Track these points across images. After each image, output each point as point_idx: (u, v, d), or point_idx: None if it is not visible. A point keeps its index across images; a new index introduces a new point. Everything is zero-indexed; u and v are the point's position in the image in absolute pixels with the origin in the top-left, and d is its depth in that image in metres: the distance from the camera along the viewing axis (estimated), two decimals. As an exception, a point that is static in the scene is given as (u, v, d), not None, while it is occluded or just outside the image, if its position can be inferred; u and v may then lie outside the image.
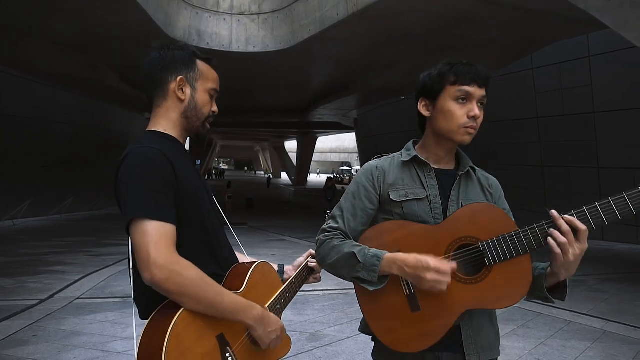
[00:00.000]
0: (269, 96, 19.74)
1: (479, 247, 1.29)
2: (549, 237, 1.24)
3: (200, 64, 1.39)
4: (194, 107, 1.37)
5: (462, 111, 1.38)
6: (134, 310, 1.31)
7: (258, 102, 21.71)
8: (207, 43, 10.94)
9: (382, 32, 9.29)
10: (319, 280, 1.73)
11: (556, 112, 12.21)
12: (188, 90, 1.36)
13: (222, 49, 11.14)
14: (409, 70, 12.08)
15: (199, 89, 1.37)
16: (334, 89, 16.78)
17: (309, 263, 1.68)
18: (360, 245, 1.38)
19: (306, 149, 42.58)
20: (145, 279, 1.11)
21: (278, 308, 1.45)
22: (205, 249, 1.33)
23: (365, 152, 25.45)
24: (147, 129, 1.37)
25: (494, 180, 1.53)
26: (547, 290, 1.33)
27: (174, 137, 1.36)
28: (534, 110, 12.78)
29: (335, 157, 65.00)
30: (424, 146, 1.50)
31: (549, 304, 5.28)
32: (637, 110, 10.18)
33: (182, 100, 1.36)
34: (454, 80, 1.38)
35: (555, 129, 12.33)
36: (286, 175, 53.84)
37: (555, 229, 1.23)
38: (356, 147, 33.37)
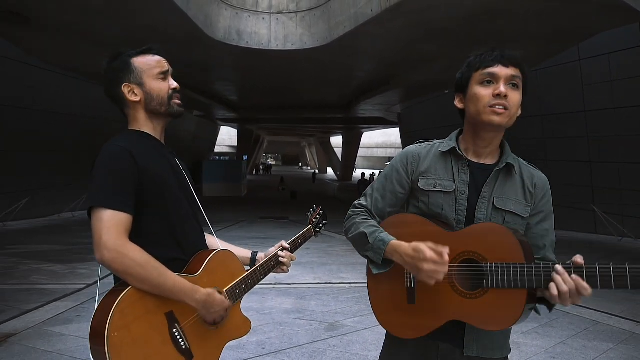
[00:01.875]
0: (311, 92, 19.93)
1: (482, 267, 1.31)
2: (552, 283, 1.23)
3: (136, 61, 1.53)
4: (150, 98, 1.53)
5: (487, 91, 1.37)
6: (98, 287, 1.51)
7: (301, 98, 21.96)
8: (247, 42, 11.25)
9: (418, 27, 9.20)
10: (286, 271, 1.82)
11: (605, 105, 11.62)
12: (137, 90, 1.52)
13: (261, 47, 11.42)
14: (449, 64, 11.88)
15: (146, 81, 1.53)
16: (375, 84, 16.73)
17: (279, 256, 1.78)
18: (376, 227, 1.45)
19: (351, 145, 42.54)
20: (97, 258, 1.31)
21: (237, 292, 1.59)
22: (169, 234, 1.48)
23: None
24: (127, 129, 1.57)
25: (540, 178, 1.48)
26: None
27: (146, 133, 1.54)
28: (581, 104, 12.23)
29: (381, 153, 64.39)
30: (463, 137, 1.50)
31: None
32: (695, 103, 9.55)
33: (138, 101, 1.53)
34: (478, 66, 1.40)
35: (604, 123, 11.75)
36: (332, 171, 54.06)
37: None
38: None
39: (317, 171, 57.35)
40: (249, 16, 11.30)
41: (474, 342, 1.41)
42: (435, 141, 1.56)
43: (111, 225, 1.32)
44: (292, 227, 13.12)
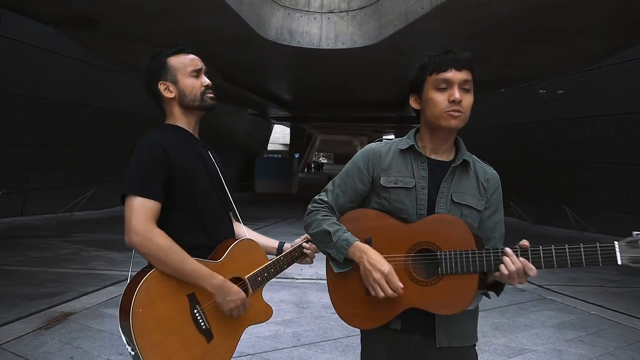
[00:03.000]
0: (363, 91, 19.90)
1: (437, 255, 1.39)
2: (502, 264, 1.32)
3: (170, 60, 1.67)
4: (184, 94, 1.66)
5: (443, 97, 1.44)
6: (130, 268, 1.65)
7: (354, 96, 21.97)
8: (298, 41, 11.43)
9: (470, 24, 8.99)
10: (310, 262, 1.90)
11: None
12: (172, 87, 1.66)
13: (312, 47, 11.56)
14: (504, 62, 11.51)
15: (180, 79, 1.66)
16: (428, 83, 16.48)
17: (303, 247, 1.85)
18: (339, 226, 1.52)
19: (404, 144, 41.98)
20: (125, 241, 1.45)
21: (259, 280, 1.67)
22: (197, 223, 1.61)
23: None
24: (164, 123, 1.71)
25: (492, 174, 1.56)
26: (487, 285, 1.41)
27: (180, 127, 1.68)
28: (649, 104, 11.44)
29: (435, 153, 63.00)
30: (420, 136, 1.58)
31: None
32: None
33: (173, 97, 1.67)
34: (432, 70, 1.46)
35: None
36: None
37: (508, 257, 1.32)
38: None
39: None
40: (301, 16, 11.48)
41: (444, 332, 1.46)
42: (394, 139, 1.63)
43: (140, 211, 1.45)
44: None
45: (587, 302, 5.81)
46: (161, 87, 1.66)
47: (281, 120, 35.12)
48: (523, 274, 1.29)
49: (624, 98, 12.10)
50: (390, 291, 1.37)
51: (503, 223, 1.57)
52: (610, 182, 12.68)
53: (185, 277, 1.47)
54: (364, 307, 1.49)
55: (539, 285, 6.47)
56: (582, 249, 1.22)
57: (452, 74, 1.43)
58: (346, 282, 1.53)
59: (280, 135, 51.18)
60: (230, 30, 9.72)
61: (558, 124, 14.66)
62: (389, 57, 12.51)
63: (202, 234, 1.61)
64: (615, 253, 1.19)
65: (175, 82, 1.66)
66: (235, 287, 1.55)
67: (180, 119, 1.69)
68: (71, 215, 13.21)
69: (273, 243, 1.92)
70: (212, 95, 1.71)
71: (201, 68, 1.71)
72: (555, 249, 1.27)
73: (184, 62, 1.68)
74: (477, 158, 1.58)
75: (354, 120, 33.76)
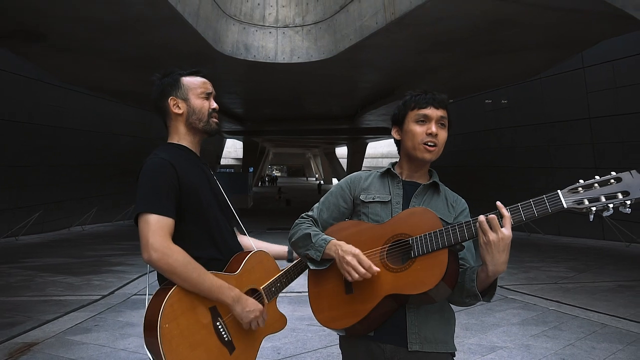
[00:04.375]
0: (317, 104, 20.14)
1: (409, 241, 1.48)
2: (479, 218, 1.38)
3: (184, 80, 1.72)
4: (192, 113, 1.70)
5: (422, 129, 1.63)
6: (147, 286, 1.65)
7: (307, 110, 22.17)
8: (254, 56, 11.46)
9: (423, 39, 9.37)
10: None
11: (610, 112, 11.72)
12: (182, 104, 1.70)
13: (268, 61, 11.62)
14: (453, 75, 12.05)
15: (191, 98, 1.70)
16: (381, 95, 16.92)
17: None
18: (320, 232, 1.64)
19: (356, 155, 42.68)
20: (144, 259, 1.46)
21: (273, 290, 1.72)
22: (207, 237, 1.63)
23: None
24: (166, 142, 1.72)
25: (459, 198, 1.73)
26: (481, 293, 1.45)
27: (184, 146, 1.70)
28: (585, 111, 12.34)
29: (386, 163, 63.63)
30: (399, 164, 1.77)
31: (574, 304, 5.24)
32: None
33: (180, 114, 1.70)
34: (413, 106, 1.66)
35: (609, 130, 11.84)
36: (337, 181, 54.09)
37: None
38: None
39: (322, 182, 57.48)
40: (256, 30, 11.53)
41: (416, 336, 1.52)
42: (374, 170, 1.81)
43: (157, 228, 1.47)
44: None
45: (546, 299, 6.16)
46: (171, 102, 1.69)
47: (234, 134, 34.83)
48: (497, 224, 1.35)
49: (562, 106, 12.97)
50: (363, 270, 1.45)
51: (472, 244, 1.65)
52: (555, 186, 13.50)
53: (203, 291, 1.49)
54: (344, 306, 1.55)
55: (500, 286, 6.78)
56: (532, 202, 1.34)
57: (431, 111, 1.63)
58: (325, 287, 1.62)
59: (232, 149, 50.66)
60: (187, 45, 9.63)
61: (506, 131, 15.46)
62: (344, 71, 12.79)
63: (214, 248, 1.64)
64: (560, 199, 1.31)
65: (185, 100, 1.70)
66: (252, 300, 1.58)
67: (184, 138, 1.72)
68: (16, 240, 12.46)
69: (282, 248, 1.98)
70: (217, 120, 1.77)
71: (211, 92, 1.76)
72: (510, 208, 1.37)
73: (197, 83, 1.73)
74: (447, 188, 1.75)
75: (307, 133, 33.99)
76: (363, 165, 46.32)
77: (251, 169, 33.90)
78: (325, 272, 1.62)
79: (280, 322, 1.76)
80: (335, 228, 1.67)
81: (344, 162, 49.50)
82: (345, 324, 1.54)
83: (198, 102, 1.71)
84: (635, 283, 7.19)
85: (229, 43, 10.90)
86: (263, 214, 21.90)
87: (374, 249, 1.53)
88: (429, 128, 1.62)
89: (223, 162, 41.65)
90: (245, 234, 1.91)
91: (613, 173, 1.33)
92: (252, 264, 1.67)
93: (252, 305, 1.57)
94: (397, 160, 1.81)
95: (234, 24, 11.05)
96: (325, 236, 1.61)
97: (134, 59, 11.00)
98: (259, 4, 11.78)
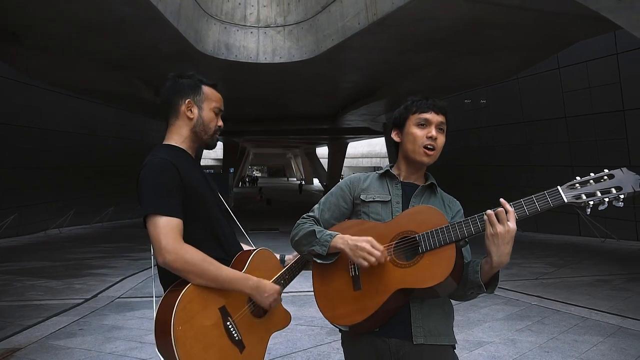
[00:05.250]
0: (298, 104, 20.14)
1: (416, 237, 1.53)
2: (487, 212, 1.45)
3: (206, 89, 1.71)
4: (201, 123, 1.70)
5: (422, 133, 1.69)
6: (154, 289, 1.64)
7: (289, 110, 22.16)
8: (235, 55, 11.40)
9: (404, 39, 9.47)
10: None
11: (585, 111, 12.05)
12: (195, 110, 1.69)
13: (249, 61, 11.57)
14: (434, 75, 12.20)
15: (205, 109, 1.70)
16: (362, 95, 17.01)
17: None
18: (322, 228, 1.67)
19: (337, 155, 42.84)
20: (158, 262, 1.46)
21: (281, 284, 1.73)
22: (212, 238, 1.64)
23: (395, 157, 25.54)
24: (163, 143, 1.70)
25: (454, 200, 1.81)
26: (484, 284, 1.51)
27: (183, 149, 1.69)
28: (561, 110, 12.65)
29: (366, 162, 64.86)
30: (397, 166, 1.82)
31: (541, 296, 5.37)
32: (669, 107, 9.99)
33: (191, 119, 1.69)
34: (415, 110, 1.72)
35: (584, 129, 12.17)
36: (318, 181, 54.23)
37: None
38: (386, 152, 33.42)
39: (303, 182, 57.47)
40: (237, 30, 11.47)
41: (420, 329, 1.57)
42: (373, 172, 1.86)
43: (167, 230, 1.46)
44: (283, 238, 13.19)
45: (528, 294, 6.30)
46: (187, 104, 1.68)
47: (214, 135, 34.55)
48: (504, 218, 1.42)
49: (539, 105, 13.27)
50: (379, 253, 1.49)
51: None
52: (535, 183, 13.80)
53: (222, 284, 1.51)
54: (353, 303, 1.58)
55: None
56: (534, 198, 1.42)
57: (432, 116, 1.69)
58: (332, 284, 1.64)
59: (212, 150, 50.20)
60: (169, 45, 9.53)
61: (485, 131, 15.73)
62: (326, 71, 12.83)
63: (219, 248, 1.64)
64: (561, 194, 1.40)
65: (199, 108, 1.69)
66: (268, 283, 1.62)
67: (184, 141, 1.70)
68: (-9, 244, 12.12)
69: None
70: (217, 136, 1.79)
71: (222, 110, 1.77)
72: (514, 204, 1.45)
73: (215, 97, 1.73)
74: (441, 190, 1.81)
75: (288, 133, 33.96)
76: (344, 164, 46.53)
77: (231, 170, 33.68)
78: (330, 269, 1.64)
79: (285, 318, 1.79)
80: (338, 227, 1.69)
81: (324, 162, 49.59)
82: (354, 320, 1.56)
83: (209, 116, 1.71)
84: (612, 277, 7.42)
85: (210, 43, 10.82)
86: (244, 214, 21.79)
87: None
88: (429, 132, 1.68)
89: (203, 162, 41.27)
90: (244, 234, 1.92)
91: (606, 170, 1.41)
92: (257, 261, 1.68)
93: (270, 289, 1.61)
94: (394, 163, 1.85)
95: (215, 24, 10.97)
96: (330, 232, 1.64)
97: (114, 59, 10.83)
98: (239, 4, 11.72)
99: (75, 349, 4.36)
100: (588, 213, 1.41)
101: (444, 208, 1.72)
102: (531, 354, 4.11)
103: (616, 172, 1.39)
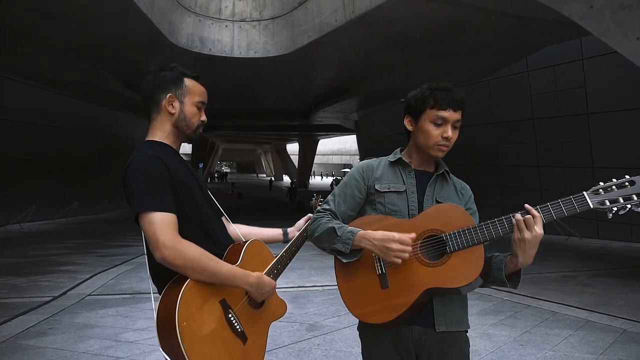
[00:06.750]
0: (271, 100, 20.03)
1: (443, 237, 1.54)
2: (515, 215, 1.49)
3: (188, 81, 1.66)
4: (183, 118, 1.64)
5: (438, 132, 1.64)
6: (151, 286, 1.60)
7: (260, 105, 22.01)
8: (210, 49, 11.22)
9: (380, 38, 9.55)
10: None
11: (551, 114, 12.47)
12: (177, 105, 1.63)
13: (224, 55, 11.42)
14: (407, 74, 12.36)
15: (187, 103, 1.64)
16: (335, 92, 17.06)
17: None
18: (342, 224, 1.65)
19: (307, 152, 42.86)
20: (157, 259, 1.42)
21: (271, 276, 1.72)
22: (203, 232, 1.61)
23: (366, 154, 25.64)
24: (146, 139, 1.64)
25: (465, 185, 1.81)
26: (505, 277, 1.57)
27: (168, 145, 1.64)
28: (529, 112, 13.05)
29: (337, 160, 65.22)
30: (408, 152, 1.78)
31: (512, 291, 5.57)
32: (630, 112, 10.44)
33: (172, 114, 1.63)
34: (432, 104, 1.64)
35: (550, 130, 12.59)
36: (288, 178, 54.14)
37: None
38: (357, 149, 33.65)
39: (273, 178, 57.22)
40: (212, 23, 11.29)
41: (442, 318, 1.61)
42: (382, 157, 1.84)
43: (163, 226, 1.42)
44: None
45: (499, 289, 6.48)
46: (168, 99, 1.62)
47: (183, 130, 34.00)
48: (532, 223, 1.46)
49: (508, 107, 13.64)
50: (410, 247, 1.50)
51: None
52: (504, 183, 14.20)
53: (222, 280, 1.49)
54: (382, 301, 1.58)
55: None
56: (560, 202, 1.47)
57: (449, 114, 1.63)
58: (356, 281, 1.63)
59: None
60: (140, 35, 9.29)
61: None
62: (301, 67, 12.79)
63: (210, 242, 1.62)
64: (587, 200, 1.45)
65: (181, 102, 1.64)
66: (267, 279, 1.63)
67: (168, 137, 1.65)
68: (-53, 239, 11.53)
69: (275, 231, 2.00)
70: (201, 131, 1.74)
71: (205, 104, 1.71)
72: (541, 207, 1.49)
73: (198, 91, 1.67)
74: (452, 175, 1.82)
75: (259, 129, 33.74)
76: (314, 161, 46.60)
77: (201, 165, 33.20)
78: (354, 266, 1.63)
79: (281, 308, 1.79)
80: (360, 222, 1.67)
81: (295, 159, 49.53)
82: (384, 319, 1.57)
83: (192, 110, 1.66)
84: (577, 273, 7.73)
85: (184, 35, 10.61)
86: (215, 210, 21.49)
87: None
88: (444, 131, 1.64)
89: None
90: (229, 221, 1.91)
91: (627, 176, 1.47)
92: (250, 253, 1.67)
93: (268, 286, 1.63)
94: (402, 148, 1.81)
95: (189, 16, 10.77)
96: (350, 227, 1.62)
97: (81, 49, 10.47)
98: (214, -4, 11.54)
99: (47, 348, 4.20)
100: (609, 217, 1.47)
101: (457, 194, 1.73)
102: (507, 347, 4.24)
103: (636, 178, 1.46)
